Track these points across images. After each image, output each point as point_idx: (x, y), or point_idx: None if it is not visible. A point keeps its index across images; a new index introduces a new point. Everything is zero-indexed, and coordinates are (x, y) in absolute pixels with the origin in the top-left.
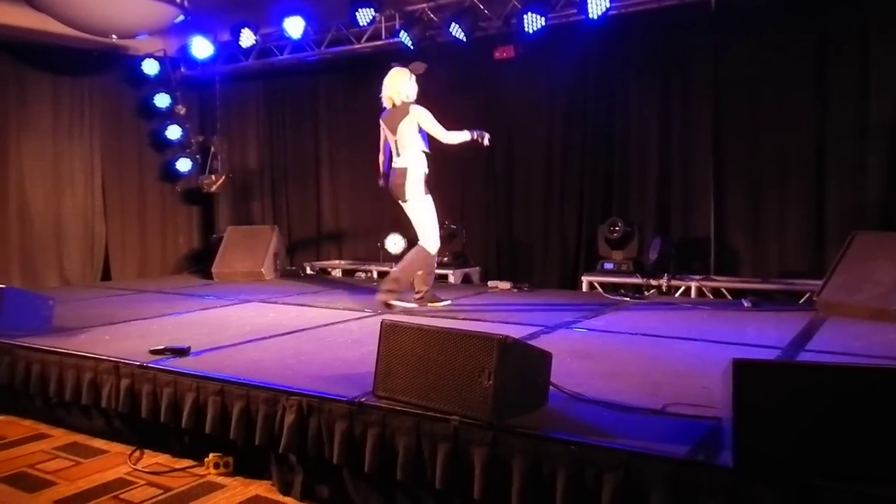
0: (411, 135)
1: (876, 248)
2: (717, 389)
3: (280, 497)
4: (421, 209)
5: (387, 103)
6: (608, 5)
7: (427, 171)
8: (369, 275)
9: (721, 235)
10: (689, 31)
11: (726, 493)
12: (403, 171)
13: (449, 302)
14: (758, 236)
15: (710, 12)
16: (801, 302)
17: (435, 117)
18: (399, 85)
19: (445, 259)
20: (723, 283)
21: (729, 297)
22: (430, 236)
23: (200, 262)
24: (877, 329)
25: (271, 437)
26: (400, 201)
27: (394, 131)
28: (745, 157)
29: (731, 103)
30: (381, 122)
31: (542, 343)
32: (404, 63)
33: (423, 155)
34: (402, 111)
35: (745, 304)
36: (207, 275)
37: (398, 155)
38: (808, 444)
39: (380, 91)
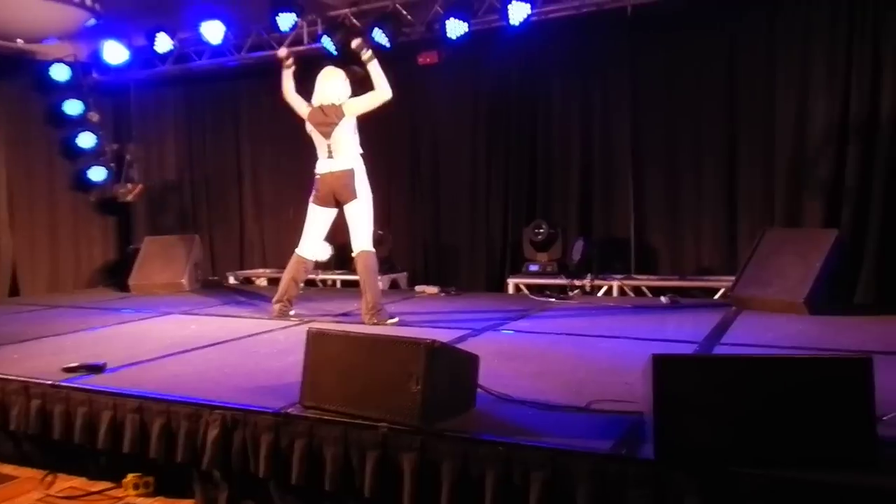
0: (350, 137)
1: (784, 244)
2: (639, 385)
3: None
4: (366, 209)
5: (320, 103)
6: (529, 12)
7: None
8: None
9: (641, 236)
10: (608, 36)
11: (649, 485)
12: (349, 172)
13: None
14: (675, 236)
15: (627, 17)
16: (716, 297)
17: (358, 124)
18: (336, 86)
19: None
20: (643, 281)
21: (649, 294)
22: (369, 237)
23: (116, 275)
24: (787, 321)
25: (194, 453)
26: (346, 202)
27: (327, 135)
28: (663, 159)
29: (649, 107)
30: (310, 122)
31: (469, 346)
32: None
33: (360, 156)
34: (336, 113)
35: (664, 301)
36: (124, 287)
37: (331, 157)
38: (725, 433)
39: (308, 94)
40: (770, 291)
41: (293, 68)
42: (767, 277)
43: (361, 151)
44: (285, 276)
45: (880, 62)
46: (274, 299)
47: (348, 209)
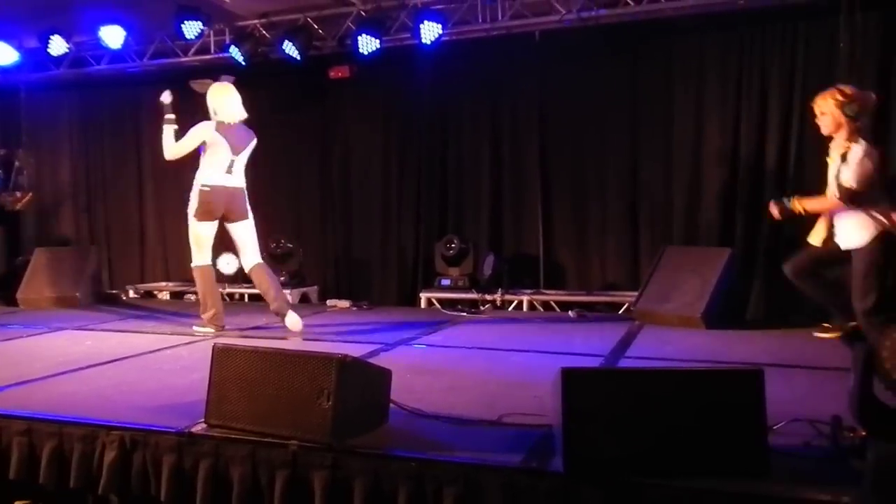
0: (247, 158)
1: (683, 261)
2: (549, 398)
3: None
4: (252, 225)
5: (234, 119)
6: (440, 32)
7: None
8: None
9: (549, 252)
10: (517, 58)
11: (559, 497)
12: (242, 190)
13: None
14: (582, 252)
15: (535, 42)
16: (620, 312)
17: (270, 135)
18: (240, 102)
19: (282, 278)
20: (552, 296)
21: (557, 309)
22: (258, 250)
23: (3, 288)
24: (685, 335)
25: (89, 477)
26: (237, 220)
27: (238, 152)
28: (570, 178)
29: (557, 126)
30: (223, 135)
31: (381, 360)
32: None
33: None
34: (248, 133)
35: (572, 316)
36: (12, 301)
37: (230, 173)
38: (630, 445)
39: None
40: (669, 307)
41: (175, 127)
42: (667, 293)
43: None
44: (215, 291)
45: (766, 89)
46: (216, 315)
47: (240, 226)
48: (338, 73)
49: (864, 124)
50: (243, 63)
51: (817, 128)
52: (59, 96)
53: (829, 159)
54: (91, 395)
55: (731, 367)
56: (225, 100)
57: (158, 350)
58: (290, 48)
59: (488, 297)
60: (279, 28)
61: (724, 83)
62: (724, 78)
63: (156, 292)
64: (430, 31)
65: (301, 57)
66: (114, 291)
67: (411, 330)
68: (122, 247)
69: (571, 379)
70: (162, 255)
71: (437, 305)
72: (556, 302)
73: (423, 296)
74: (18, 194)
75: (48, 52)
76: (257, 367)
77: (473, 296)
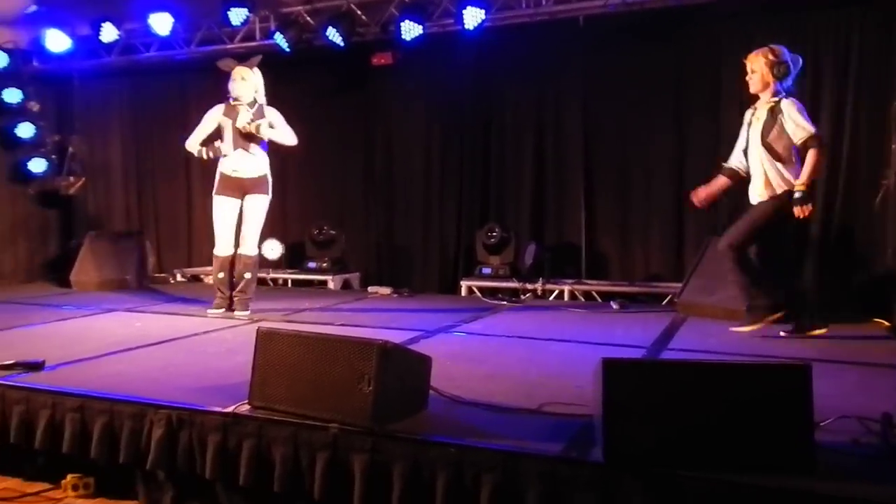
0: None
1: None
2: (589, 388)
3: None
4: (265, 208)
5: (248, 99)
6: (483, 17)
7: None
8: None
9: (592, 241)
10: (561, 44)
11: (598, 487)
12: (264, 168)
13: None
14: (625, 242)
15: (579, 27)
16: (663, 303)
17: (313, 122)
18: (258, 83)
19: (325, 265)
20: (593, 286)
21: (599, 299)
22: (257, 238)
23: (58, 270)
24: (729, 328)
25: (137, 453)
26: (260, 196)
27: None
28: (613, 166)
29: (601, 114)
30: (228, 116)
31: (421, 347)
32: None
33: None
34: (261, 110)
35: (614, 307)
36: (65, 283)
37: (247, 151)
38: (670, 437)
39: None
40: (714, 299)
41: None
42: (712, 285)
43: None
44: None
45: (819, 75)
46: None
47: (252, 204)
48: (380, 59)
49: (789, 88)
50: (287, 50)
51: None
52: (109, 83)
53: (754, 119)
54: (140, 375)
55: (777, 361)
56: (259, 80)
57: (204, 333)
58: (333, 35)
59: (529, 286)
60: (323, 15)
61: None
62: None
63: (202, 276)
64: (473, 17)
65: (344, 44)
66: (162, 275)
67: (452, 317)
68: (169, 231)
69: (612, 369)
70: (209, 241)
71: (478, 294)
72: (597, 292)
73: (464, 284)
74: (72, 179)
75: (100, 40)
76: (300, 350)
77: (514, 285)
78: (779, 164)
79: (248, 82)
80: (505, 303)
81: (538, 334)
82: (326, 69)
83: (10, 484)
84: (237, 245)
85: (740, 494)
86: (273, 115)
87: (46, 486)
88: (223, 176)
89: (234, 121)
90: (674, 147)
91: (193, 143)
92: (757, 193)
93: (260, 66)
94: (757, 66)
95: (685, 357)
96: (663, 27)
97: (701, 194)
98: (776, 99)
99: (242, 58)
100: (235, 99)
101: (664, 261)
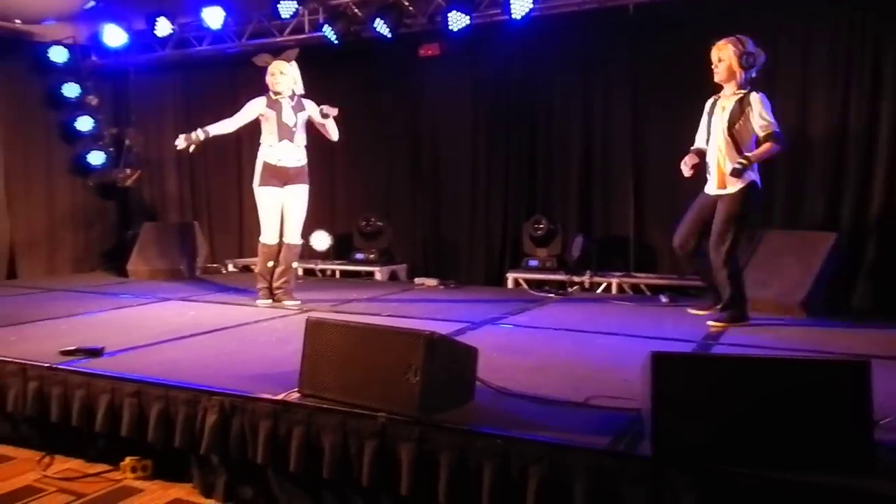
0: (305, 126)
1: (783, 246)
2: (637, 382)
3: (202, 499)
4: (307, 197)
5: (288, 93)
6: (531, 6)
7: None
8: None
9: (641, 233)
10: (610, 33)
11: (646, 482)
12: (305, 158)
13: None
14: (674, 234)
15: (629, 16)
16: None
17: (361, 114)
18: (296, 76)
19: (372, 256)
20: (642, 279)
21: (647, 292)
22: (301, 227)
23: (115, 260)
24: (783, 323)
25: (192, 438)
26: (301, 185)
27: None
28: (663, 157)
29: (650, 104)
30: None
31: (468, 339)
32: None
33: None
34: (300, 103)
35: (663, 300)
36: (122, 273)
37: (292, 142)
38: (721, 433)
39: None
40: (767, 293)
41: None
42: (765, 279)
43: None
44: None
45: (880, 66)
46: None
47: (295, 195)
48: (427, 50)
49: (752, 78)
50: (336, 42)
51: None
52: (163, 76)
53: (718, 108)
54: (194, 362)
55: (834, 357)
56: (298, 73)
57: (255, 322)
58: (381, 26)
59: (576, 278)
60: (371, 6)
61: (833, 60)
62: (832, 54)
63: (252, 266)
64: (521, 6)
65: (392, 35)
66: (214, 265)
67: (498, 309)
68: (222, 222)
69: (662, 363)
70: (258, 231)
71: (524, 286)
72: (646, 285)
73: (511, 276)
74: (128, 171)
75: (154, 34)
76: (348, 340)
77: (561, 277)
78: (738, 157)
79: (286, 76)
80: (552, 295)
81: (585, 327)
82: (373, 61)
83: (73, 465)
84: (283, 234)
85: (795, 493)
86: (312, 107)
87: (107, 467)
88: (266, 165)
89: (279, 114)
90: None
91: (224, 127)
92: (715, 185)
93: (307, 59)
94: (725, 56)
95: (737, 352)
96: (716, 16)
97: (689, 163)
98: (744, 90)
99: (278, 52)
100: (276, 93)
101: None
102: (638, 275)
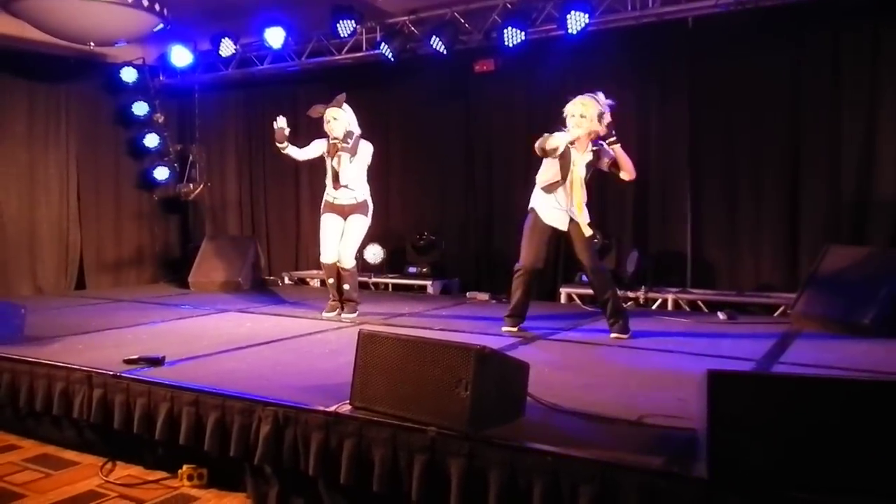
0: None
1: (849, 262)
2: (693, 401)
3: None
4: (363, 227)
5: (341, 134)
6: (587, 21)
7: None
8: None
9: (698, 249)
10: (667, 48)
11: None
12: (362, 196)
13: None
14: (734, 250)
15: (688, 29)
16: (775, 315)
17: (415, 130)
18: (349, 119)
19: (424, 270)
20: (699, 295)
21: (705, 309)
22: (353, 252)
23: (177, 272)
24: (850, 342)
25: (246, 448)
26: (359, 216)
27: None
28: (722, 172)
29: (707, 119)
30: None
31: (519, 354)
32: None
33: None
34: (356, 143)
35: (721, 317)
36: (184, 284)
37: (347, 188)
38: (782, 456)
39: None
40: (833, 311)
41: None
42: (830, 296)
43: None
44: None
45: None
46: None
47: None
48: (483, 66)
49: None
50: (392, 60)
51: None
52: (226, 94)
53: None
54: (250, 373)
55: None
56: (349, 119)
57: (310, 334)
58: (437, 43)
59: (631, 294)
60: (427, 24)
61: None
62: None
63: (308, 279)
64: (576, 21)
65: (447, 51)
66: (271, 277)
67: (551, 324)
68: (279, 236)
69: (719, 381)
70: (315, 245)
71: (578, 301)
72: (703, 301)
73: (564, 291)
74: (192, 186)
75: (219, 54)
76: (399, 353)
77: None
78: None
79: (339, 121)
80: None
81: (639, 344)
82: (429, 77)
83: (134, 471)
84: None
85: None
86: (365, 150)
87: (165, 474)
88: (326, 202)
89: (336, 162)
90: (788, 153)
91: (296, 153)
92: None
93: (364, 76)
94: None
95: (798, 371)
96: (778, 29)
97: None
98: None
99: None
100: (334, 139)
101: (776, 270)
102: (695, 291)
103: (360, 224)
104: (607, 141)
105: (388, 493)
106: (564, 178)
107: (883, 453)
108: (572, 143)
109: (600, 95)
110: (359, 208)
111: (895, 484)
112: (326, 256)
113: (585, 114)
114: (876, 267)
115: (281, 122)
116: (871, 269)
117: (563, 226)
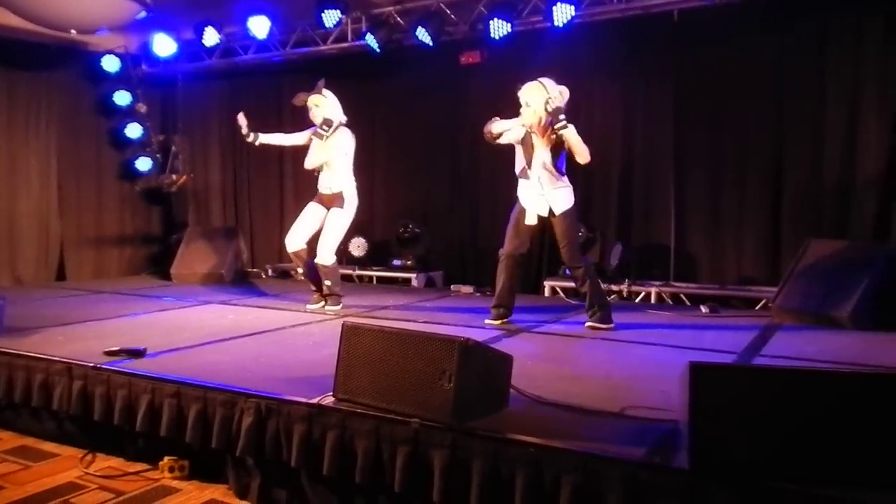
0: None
1: (830, 256)
2: (675, 393)
3: (236, 501)
4: (343, 222)
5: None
6: (573, 13)
7: None
8: None
9: (681, 242)
10: (652, 40)
11: (682, 495)
12: (340, 186)
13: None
14: (716, 243)
15: (673, 22)
16: (757, 308)
17: (401, 121)
18: (331, 104)
19: (409, 263)
20: (682, 289)
21: (687, 302)
22: (332, 247)
23: (159, 263)
24: (830, 335)
25: (228, 439)
26: (336, 209)
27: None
28: (705, 166)
29: (692, 112)
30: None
31: (503, 346)
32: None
33: None
34: (335, 133)
35: (703, 310)
36: (166, 276)
37: (327, 167)
38: (762, 447)
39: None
40: (813, 304)
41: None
42: (811, 289)
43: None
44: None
45: None
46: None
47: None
48: (468, 58)
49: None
50: (378, 51)
51: None
52: (209, 85)
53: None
54: (232, 365)
55: (882, 371)
56: (334, 107)
57: (292, 326)
58: (422, 34)
59: (615, 287)
60: (413, 14)
61: (885, 65)
62: (885, 58)
63: (291, 272)
64: (562, 14)
65: (433, 43)
66: (254, 269)
67: (534, 317)
68: (262, 227)
69: (701, 373)
70: None
71: (561, 294)
72: (686, 295)
73: (548, 284)
74: (174, 177)
75: (202, 43)
76: (383, 345)
77: None
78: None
79: (321, 107)
80: None
81: (622, 336)
82: (414, 69)
83: (114, 463)
84: (310, 244)
85: None
86: (339, 138)
87: (145, 466)
88: (317, 190)
89: (315, 147)
90: (771, 146)
91: (277, 139)
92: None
93: (349, 67)
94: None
95: (779, 364)
96: (763, 22)
97: None
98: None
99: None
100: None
101: (758, 263)
102: (678, 284)
103: (339, 219)
104: (556, 126)
105: (371, 485)
106: (529, 163)
107: (863, 443)
108: (531, 128)
109: (548, 81)
110: (336, 200)
111: (875, 474)
112: (290, 244)
113: (529, 101)
114: (855, 261)
115: (240, 120)
116: (850, 263)
117: (542, 211)
